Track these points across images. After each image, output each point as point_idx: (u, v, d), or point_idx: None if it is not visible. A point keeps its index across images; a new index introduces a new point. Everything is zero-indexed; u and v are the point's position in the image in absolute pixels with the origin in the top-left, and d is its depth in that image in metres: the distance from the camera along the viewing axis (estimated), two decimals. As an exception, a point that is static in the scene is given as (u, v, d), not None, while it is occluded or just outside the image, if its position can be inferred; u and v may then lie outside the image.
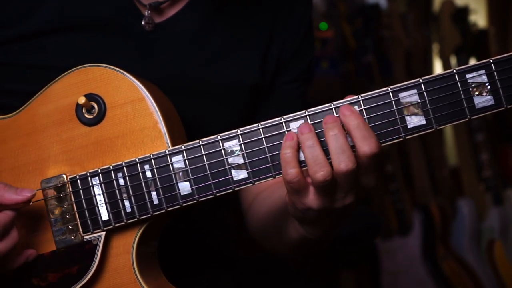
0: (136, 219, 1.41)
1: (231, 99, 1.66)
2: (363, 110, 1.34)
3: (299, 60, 1.74)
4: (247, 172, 1.37)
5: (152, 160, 1.40)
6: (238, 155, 1.38)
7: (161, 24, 1.59)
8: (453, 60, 4.35)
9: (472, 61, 4.52)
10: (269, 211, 1.65)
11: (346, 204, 1.37)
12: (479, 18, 4.97)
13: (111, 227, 1.42)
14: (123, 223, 1.41)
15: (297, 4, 1.72)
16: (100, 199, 1.43)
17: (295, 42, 1.72)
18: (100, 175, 1.43)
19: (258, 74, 1.68)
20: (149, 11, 1.57)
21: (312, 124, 1.35)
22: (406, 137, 1.34)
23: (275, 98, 1.73)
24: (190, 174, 1.39)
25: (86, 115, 1.46)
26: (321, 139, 1.34)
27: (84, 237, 1.43)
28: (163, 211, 1.40)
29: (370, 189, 1.38)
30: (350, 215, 1.44)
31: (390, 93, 1.34)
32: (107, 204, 1.42)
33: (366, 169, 1.34)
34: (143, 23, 1.57)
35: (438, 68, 4.92)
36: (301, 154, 1.34)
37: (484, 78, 1.32)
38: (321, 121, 1.35)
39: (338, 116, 1.34)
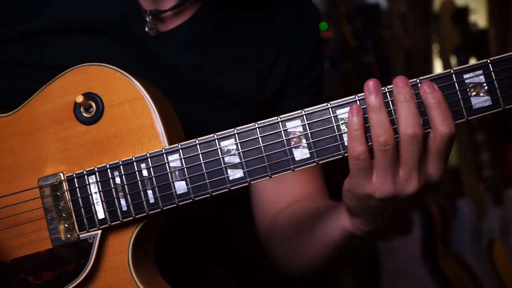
0: (132, 218, 1.41)
1: (234, 110, 1.66)
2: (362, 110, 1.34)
3: (308, 74, 1.73)
4: (243, 172, 1.37)
5: (149, 158, 1.40)
6: (234, 154, 1.38)
7: (165, 34, 1.60)
8: (453, 60, 4.35)
9: (472, 61, 4.52)
10: (307, 216, 1.62)
11: (408, 192, 1.32)
12: (479, 18, 4.97)
13: (107, 225, 1.42)
14: (119, 222, 1.41)
15: (306, 19, 1.72)
16: (96, 198, 1.42)
17: (303, 57, 1.71)
18: (97, 173, 1.42)
19: (262, 87, 1.67)
20: (150, 17, 1.58)
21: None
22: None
23: (281, 109, 1.72)
24: (186, 173, 1.39)
25: (84, 114, 1.45)
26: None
27: (80, 236, 1.43)
28: (159, 210, 1.40)
29: (435, 182, 1.33)
30: (407, 214, 1.37)
31: (387, 93, 1.33)
32: (103, 203, 1.42)
33: (437, 154, 1.31)
34: (146, 29, 1.58)
35: (438, 68, 4.92)
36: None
37: (482, 79, 1.32)
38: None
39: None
